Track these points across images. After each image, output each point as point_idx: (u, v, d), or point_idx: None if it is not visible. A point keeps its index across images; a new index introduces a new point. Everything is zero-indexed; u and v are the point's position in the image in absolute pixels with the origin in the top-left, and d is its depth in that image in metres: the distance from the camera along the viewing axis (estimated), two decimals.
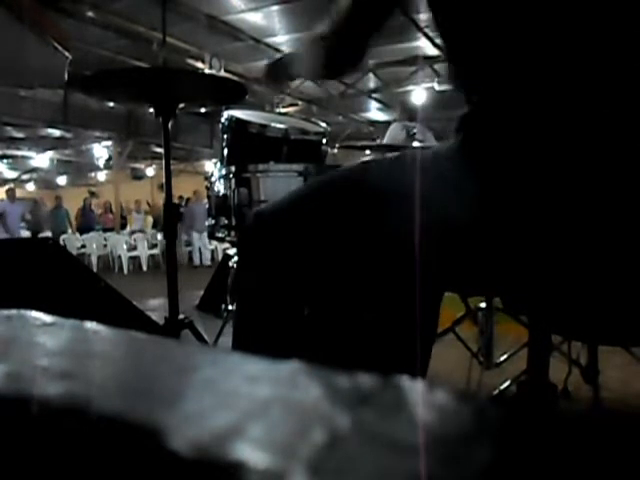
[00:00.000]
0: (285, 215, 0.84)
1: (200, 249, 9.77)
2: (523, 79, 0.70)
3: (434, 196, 0.71)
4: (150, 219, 12.08)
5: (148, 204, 11.86)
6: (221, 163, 1.85)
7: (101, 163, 13.47)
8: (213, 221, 1.81)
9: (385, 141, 4.00)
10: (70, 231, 10.69)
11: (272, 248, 0.83)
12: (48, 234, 9.48)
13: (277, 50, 7.12)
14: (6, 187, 9.65)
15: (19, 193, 10.88)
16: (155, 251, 9.63)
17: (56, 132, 10.17)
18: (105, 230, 10.78)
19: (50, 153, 12.79)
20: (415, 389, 0.20)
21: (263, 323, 0.84)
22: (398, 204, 0.73)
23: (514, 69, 0.71)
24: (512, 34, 0.70)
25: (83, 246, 9.88)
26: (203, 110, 2.51)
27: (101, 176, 16.25)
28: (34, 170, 14.48)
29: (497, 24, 0.71)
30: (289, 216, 0.83)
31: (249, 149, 1.78)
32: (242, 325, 0.90)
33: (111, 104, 8.00)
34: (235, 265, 2.07)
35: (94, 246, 9.70)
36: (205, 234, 7.57)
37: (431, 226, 0.70)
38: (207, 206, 1.89)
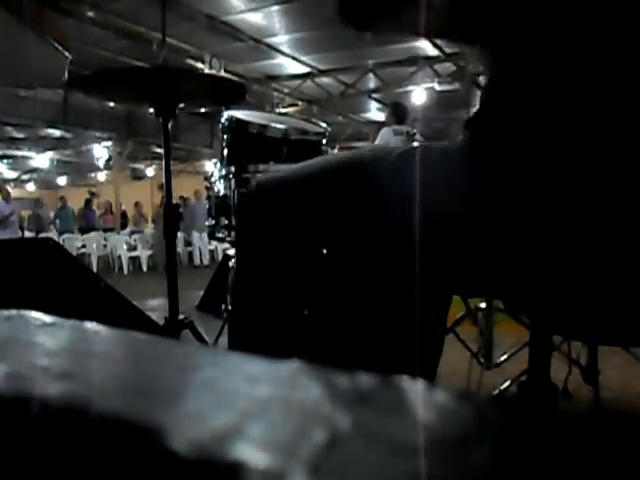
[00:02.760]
0: (288, 189, 0.82)
1: (200, 249, 9.78)
2: (532, 80, 0.70)
3: (438, 194, 0.71)
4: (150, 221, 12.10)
5: (153, 221, 11.67)
6: (221, 163, 1.85)
7: (101, 163, 13.48)
8: (213, 221, 1.82)
9: (376, 143, 4.01)
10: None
11: (271, 222, 0.81)
12: (50, 234, 9.47)
13: (277, 50, 7.13)
14: (10, 188, 9.55)
15: (19, 193, 10.84)
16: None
17: (56, 132, 10.19)
18: (105, 230, 10.79)
19: (50, 153, 12.80)
20: (415, 389, 0.20)
21: (260, 289, 0.82)
22: (402, 198, 0.73)
23: (523, 71, 0.71)
24: (523, 36, 0.70)
25: (83, 246, 9.88)
26: (203, 110, 2.51)
27: (101, 176, 16.26)
28: (34, 170, 14.49)
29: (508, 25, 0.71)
30: (291, 191, 0.81)
31: (249, 149, 1.78)
32: (239, 296, 0.89)
33: (111, 104, 8.00)
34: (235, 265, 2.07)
35: (94, 246, 9.70)
36: (205, 234, 7.58)
37: (433, 224, 0.70)
38: (207, 206, 1.89)
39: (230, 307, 2.08)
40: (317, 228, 0.79)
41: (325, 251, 0.79)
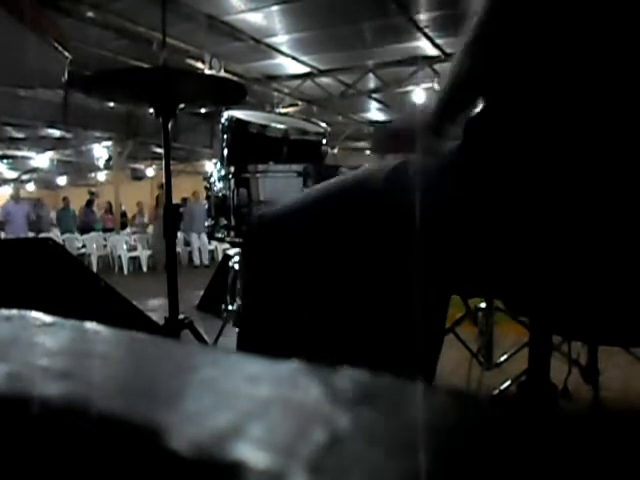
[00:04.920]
0: (289, 221, 0.84)
1: (200, 249, 9.78)
2: (526, 87, 0.70)
3: (436, 200, 0.72)
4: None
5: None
6: (221, 163, 1.85)
7: (101, 163, 13.46)
8: (212, 221, 1.81)
9: None
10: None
11: (276, 254, 0.83)
12: (51, 234, 9.50)
13: (277, 50, 7.12)
14: (10, 188, 9.63)
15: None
16: None
17: (56, 132, 10.17)
18: (105, 230, 10.78)
19: (50, 153, 12.78)
20: (415, 389, 0.20)
21: (267, 328, 0.84)
22: (401, 209, 0.73)
23: (518, 77, 0.71)
24: (519, 42, 0.70)
25: (83, 246, 9.88)
26: (203, 110, 2.51)
27: (101, 176, 16.24)
28: (34, 170, 14.47)
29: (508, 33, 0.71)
30: (292, 222, 0.84)
31: (249, 149, 1.78)
32: (247, 330, 0.91)
33: (111, 104, 8.00)
34: (235, 265, 2.08)
35: (94, 246, 9.69)
36: (204, 234, 7.59)
37: (433, 226, 0.71)
38: (206, 206, 1.89)
39: (232, 313, 2.08)
40: (321, 253, 0.81)
41: (328, 270, 0.81)
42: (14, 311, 0.31)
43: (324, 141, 1.85)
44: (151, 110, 1.73)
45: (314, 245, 0.81)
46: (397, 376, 0.21)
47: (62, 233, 10.00)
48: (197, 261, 9.79)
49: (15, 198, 9.13)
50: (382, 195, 0.77)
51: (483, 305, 1.98)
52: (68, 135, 10.60)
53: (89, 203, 11.40)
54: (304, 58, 7.50)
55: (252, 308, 0.89)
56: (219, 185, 1.77)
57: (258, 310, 0.86)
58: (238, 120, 1.80)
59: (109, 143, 11.46)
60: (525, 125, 0.70)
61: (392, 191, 0.77)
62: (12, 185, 10.28)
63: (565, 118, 0.67)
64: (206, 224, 1.88)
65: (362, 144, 11.79)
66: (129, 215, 12.68)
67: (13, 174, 14.91)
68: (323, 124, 1.97)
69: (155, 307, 4.04)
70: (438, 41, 6.66)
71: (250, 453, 0.16)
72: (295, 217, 0.85)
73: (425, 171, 0.76)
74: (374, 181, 0.80)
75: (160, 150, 1.92)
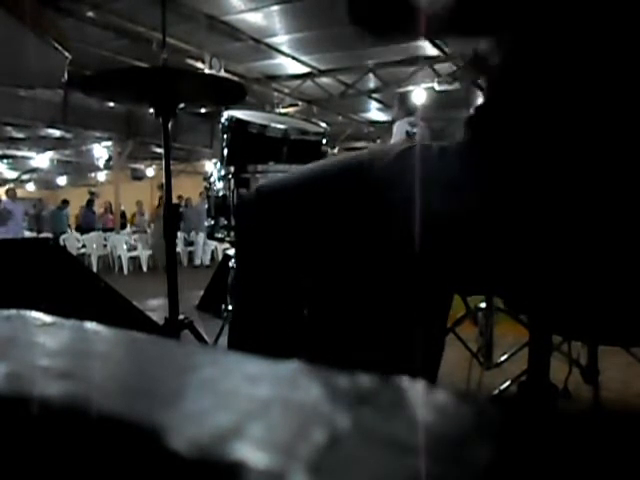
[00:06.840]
0: (287, 195, 0.83)
1: (203, 249, 9.79)
2: (533, 79, 0.70)
3: (438, 192, 0.71)
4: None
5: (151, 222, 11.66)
6: (221, 163, 1.85)
7: (101, 163, 13.47)
8: (212, 221, 1.81)
9: (393, 140, 3.94)
10: (70, 231, 10.70)
11: (271, 228, 0.82)
12: (49, 234, 9.48)
13: (277, 50, 7.12)
14: (6, 187, 9.58)
15: (19, 193, 10.86)
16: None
17: (56, 132, 10.18)
18: (105, 230, 10.78)
19: (50, 153, 12.79)
20: (415, 389, 0.20)
21: (261, 303, 0.83)
22: (402, 197, 0.73)
23: (524, 69, 0.71)
24: (524, 33, 0.70)
25: (83, 246, 9.87)
26: (203, 110, 2.51)
27: (101, 176, 16.25)
28: (34, 170, 14.48)
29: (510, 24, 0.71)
30: (291, 197, 0.82)
31: (249, 149, 1.78)
32: (241, 306, 0.90)
33: (111, 104, 8.00)
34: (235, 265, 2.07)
35: (94, 246, 9.69)
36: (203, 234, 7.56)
37: (434, 222, 0.70)
38: (206, 206, 1.89)
39: (231, 312, 2.08)
40: (317, 232, 0.79)
41: (325, 254, 0.80)
42: (14, 311, 0.31)
43: (324, 141, 1.85)
44: (151, 110, 1.73)
45: (313, 221, 0.80)
46: (397, 375, 0.21)
47: (55, 234, 9.76)
48: (198, 261, 9.80)
49: (12, 197, 9.06)
50: (387, 179, 0.76)
51: (483, 305, 1.98)
52: (68, 135, 10.60)
53: (89, 203, 11.39)
54: (304, 58, 7.49)
55: (247, 282, 0.87)
56: (219, 185, 1.77)
57: (253, 286, 0.85)
58: (238, 120, 1.80)
59: (109, 143, 11.46)
60: (529, 121, 0.70)
61: (397, 177, 0.76)
62: (6, 185, 10.18)
63: (568, 119, 0.67)
64: (206, 224, 1.88)
65: (362, 144, 11.79)
66: (128, 215, 12.68)
67: (13, 174, 14.91)
68: (323, 124, 1.97)
69: (155, 307, 4.04)
70: (438, 41, 6.66)
71: (250, 453, 0.16)
72: (295, 190, 0.83)
73: (431, 164, 0.75)
74: (379, 164, 0.79)
75: (160, 150, 1.92)
